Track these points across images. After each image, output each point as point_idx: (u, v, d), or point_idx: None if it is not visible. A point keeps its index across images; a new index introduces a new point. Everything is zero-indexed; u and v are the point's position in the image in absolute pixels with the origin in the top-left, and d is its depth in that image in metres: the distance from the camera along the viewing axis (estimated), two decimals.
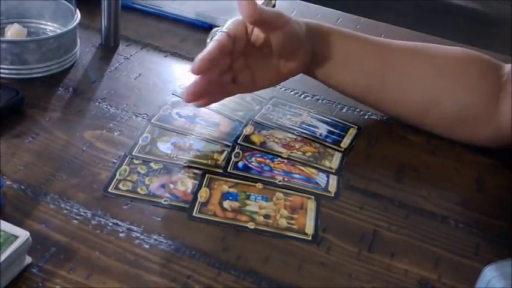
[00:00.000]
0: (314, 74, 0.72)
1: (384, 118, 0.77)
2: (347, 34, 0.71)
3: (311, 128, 0.72)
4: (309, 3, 1.06)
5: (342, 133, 0.72)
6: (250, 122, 0.72)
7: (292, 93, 0.79)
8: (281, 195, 0.62)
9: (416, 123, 0.73)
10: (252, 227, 0.58)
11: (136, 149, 0.65)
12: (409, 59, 0.71)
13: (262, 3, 0.98)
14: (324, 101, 0.78)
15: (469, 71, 0.70)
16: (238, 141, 0.68)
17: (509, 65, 0.69)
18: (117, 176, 0.61)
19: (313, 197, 0.62)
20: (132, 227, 0.56)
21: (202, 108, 0.72)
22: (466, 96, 0.69)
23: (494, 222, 0.63)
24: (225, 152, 0.66)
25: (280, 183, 0.63)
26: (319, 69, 0.70)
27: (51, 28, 0.83)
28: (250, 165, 0.65)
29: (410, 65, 0.70)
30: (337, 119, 0.75)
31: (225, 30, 0.63)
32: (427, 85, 0.69)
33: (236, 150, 0.67)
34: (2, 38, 0.73)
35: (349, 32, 0.71)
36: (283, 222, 0.58)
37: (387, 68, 0.70)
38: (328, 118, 0.75)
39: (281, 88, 0.80)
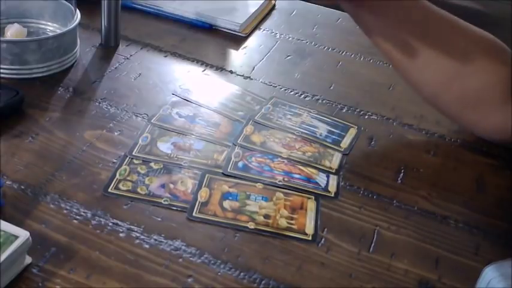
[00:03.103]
0: (362, 5, 0.70)
1: (384, 118, 0.77)
2: None
3: (311, 128, 0.72)
4: (309, 3, 1.06)
5: (342, 133, 0.72)
6: (250, 122, 0.72)
7: (292, 93, 0.79)
8: (281, 195, 0.62)
9: (435, 95, 0.72)
10: (252, 227, 0.58)
11: (136, 149, 0.65)
12: (448, 27, 0.71)
13: (262, 4, 0.98)
14: (324, 101, 0.78)
15: (495, 54, 0.70)
16: (238, 141, 0.68)
17: None
18: (117, 176, 0.61)
19: (313, 197, 0.62)
20: (132, 227, 0.56)
21: (202, 108, 0.73)
22: (488, 77, 0.69)
23: (494, 223, 0.63)
24: (225, 152, 0.66)
25: (280, 183, 0.63)
26: (369, 7, 0.70)
27: (51, 28, 0.83)
28: (250, 165, 0.65)
29: (447, 33, 0.70)
30: (337, 119, 0.75)
31: None
32: (458, 55, 0.69)
33: (236, 150, 0.67)
34: (2, 38, 0.73)
35: None
36: (283, 222, 0.58)
37: (427, 25, 0.70)
38: (328, 118, 0.75)
39: (281, 88, 0.80)
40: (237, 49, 0.89)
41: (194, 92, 0.76)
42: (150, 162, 0.63)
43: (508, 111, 0.69)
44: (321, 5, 1.04)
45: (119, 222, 0.56)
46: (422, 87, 0.73)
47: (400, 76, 0.73)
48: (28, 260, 0.50)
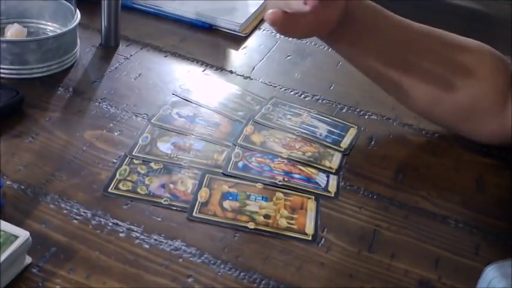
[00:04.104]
0: (341, 39, 0.70)
1: (384, 118, 0.77)
2: (378, 8, 0.70)
3: (311, 128, 0.72)
4: None
5: (342, 133, 0.72)
6: (250, 122, 0.72)
7: (292, 93, 0.79)
8: (281, 195, 0.62)
9: (427, 111, 0.72)
10: (252, 227, 0.58)
11: (136, 149, 0.65)
12: (430, 43, 0.70)
13: (262, 4, 0.98)
14: (324, 101, 0.78)
15: (483, 63, 0.70)
16: (238, 141, 0.68)
17: None
18: (117, 176, 0.61)
19: (313, 197, 0.62)
20: (132, 227, 0.56)
21: (202, 108, 0.73)
22: (479, 87, 0.69)
23: (494, 222, 0.63)
24: (225, 152, 0.66)
25: (280, 183, 0.63)
26: (347, 34, 0.69)
27: (51, 28, 0.83)
28: (250, 165, 0.65)
29: (429, 49, 0.70)
30: (337, 119, 0.75)
31: None
32: (444, 71, 0.69)
33: (236, 150, 0.67)
34: (2, 38, 0.73)
35: (381, 8, 0.70)
36: (283, 222, 0.59)
37: (409, 48, 0.70)
38: (328, 118, 0.75)
39: (281, 88, 0.80)
40: (237, 49, 0.89)
41: (194, 92, 0.76)
42: (150, 162, 0.63)
43: (506, 117, 0.68)
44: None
45: (119, 222, 0.56)
46: (412, 103, 0.73)
47: (389, 95, 0.74)
48: (28, 260, 0.50)
